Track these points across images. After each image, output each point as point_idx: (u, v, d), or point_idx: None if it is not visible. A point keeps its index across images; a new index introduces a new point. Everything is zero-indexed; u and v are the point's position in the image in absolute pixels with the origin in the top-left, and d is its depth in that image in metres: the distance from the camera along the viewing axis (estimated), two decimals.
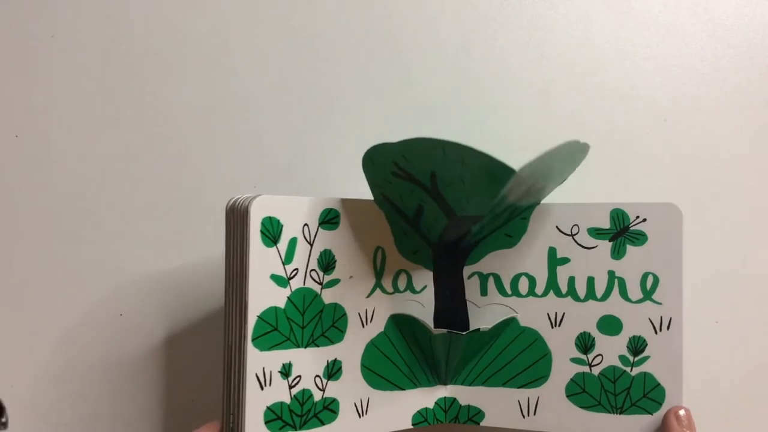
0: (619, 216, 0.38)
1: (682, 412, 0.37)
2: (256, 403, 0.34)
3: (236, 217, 0.35)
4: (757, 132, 0.46)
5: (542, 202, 0.39)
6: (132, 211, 0.45)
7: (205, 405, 0.45)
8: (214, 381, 0.45)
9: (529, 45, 0.46)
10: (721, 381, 0.45)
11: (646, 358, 0.38)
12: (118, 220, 0.45)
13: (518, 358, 0.40)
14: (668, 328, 0.38)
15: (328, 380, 0.37)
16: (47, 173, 0.45)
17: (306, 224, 0.36)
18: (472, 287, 0.40)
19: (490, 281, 0.40)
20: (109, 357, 0.45)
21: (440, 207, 0.36)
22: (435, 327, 0.39)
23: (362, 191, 0.39)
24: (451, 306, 0.40)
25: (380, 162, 0.35)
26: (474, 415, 0.40)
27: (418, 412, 0.40)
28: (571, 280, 0.39)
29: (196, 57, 0.46)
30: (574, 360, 0.39)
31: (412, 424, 0.40)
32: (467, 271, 0.40)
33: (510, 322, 0.40)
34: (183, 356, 0.45)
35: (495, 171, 0.31)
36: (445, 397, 0.40)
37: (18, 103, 0.45)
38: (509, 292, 0.40)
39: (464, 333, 0.38)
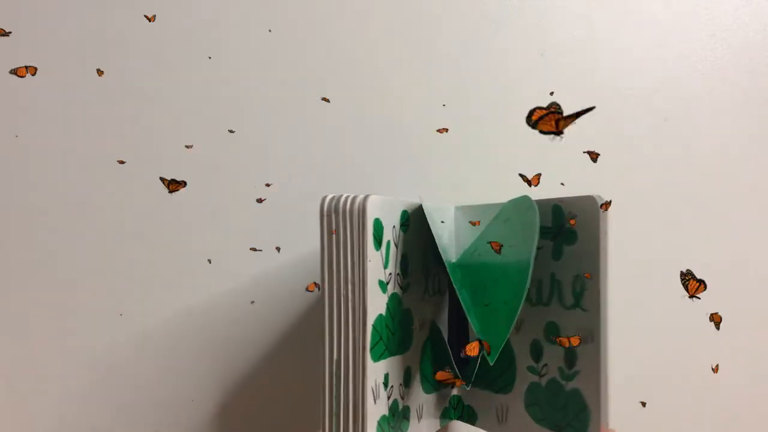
0: (557, 212, 0.33)
1: None
2: (373, 419, 0.30)
3: (343, 219, 0.30)
4: (756, 132, 0.46)
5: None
6: (131, 210, 0.45)
7: (204, 404, 0.45)
8: (213, 380, 0.45)
9: (529, 45, 0.46)
10: (722, 381, 0.45)
11: (576, 372, 0.32)
12: (118, 219, 0.45)
13: (496, 362, 0.39)
14: (592, 340, 0.31)
15: (405, 388, 0.34)
16: (47, 173, 0.45)
17: (394, 226, 0.32)
18: None
19: None
20: (108, 357, 0.45)
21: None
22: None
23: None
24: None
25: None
26: (471, 416, 0.40)
27: (444, 410, 0.39)
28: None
29: (195, 57, 0.46)
30: (529, 368, 0.36)
31: (440, 425, 0.39)
32: None
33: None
34: (182, 356, 0.45)
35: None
36: (453, 395, 0.40)
37: (18, 103, 0.45)
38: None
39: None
